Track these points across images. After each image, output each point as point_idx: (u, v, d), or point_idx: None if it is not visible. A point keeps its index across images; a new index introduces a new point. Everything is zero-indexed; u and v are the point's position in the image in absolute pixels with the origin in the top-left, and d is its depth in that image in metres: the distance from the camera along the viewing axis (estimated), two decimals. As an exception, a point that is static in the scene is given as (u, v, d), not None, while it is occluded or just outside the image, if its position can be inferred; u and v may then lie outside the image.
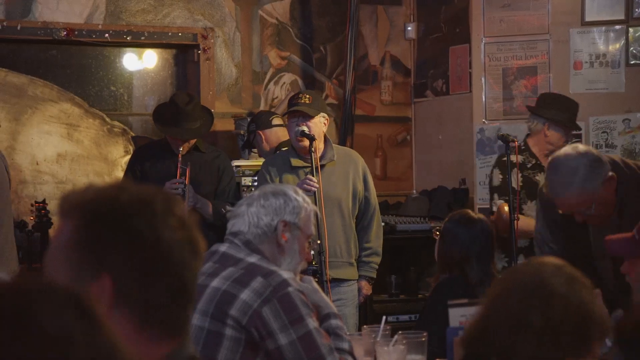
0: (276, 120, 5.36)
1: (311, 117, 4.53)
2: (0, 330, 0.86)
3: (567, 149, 3.38)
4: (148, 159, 5.02)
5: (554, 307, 1.72)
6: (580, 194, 3.24)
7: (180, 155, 4.85)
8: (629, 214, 3.29)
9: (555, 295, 1.73)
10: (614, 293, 3.28)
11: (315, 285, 2.98)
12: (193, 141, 4.97)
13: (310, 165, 4.49)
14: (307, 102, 4.57)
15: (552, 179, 3.34)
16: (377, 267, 4.73)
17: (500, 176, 4.85)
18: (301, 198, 2.87)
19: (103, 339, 0.91)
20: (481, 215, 3.67)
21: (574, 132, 5.09)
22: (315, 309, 2.79)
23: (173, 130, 4.90)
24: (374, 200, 4.72)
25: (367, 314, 5.38)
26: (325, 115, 4.62)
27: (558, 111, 4.82)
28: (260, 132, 5.30)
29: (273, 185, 3.38)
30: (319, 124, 4.56)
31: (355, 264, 4.65)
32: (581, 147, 3.40)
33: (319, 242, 4.19)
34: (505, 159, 4.54)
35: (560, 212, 3.45)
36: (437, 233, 3.68)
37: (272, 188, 2.92)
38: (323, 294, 2.96)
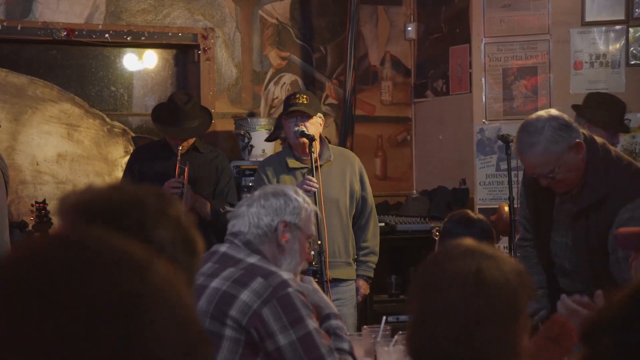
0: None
1: (310, 117, 4.54)
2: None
3: (541, 112, 3.42)
4: (147, 159, 5.03)
5: (490, 290, 1.74)
6: (543, 154, 3.25)
7: (179, 155, 4.86)
8: (587, 197, 3.33)
9: (487, 279, 1.75)
10: (587, 282, 3.30)
11: (316, 285, 2.98)
12: (192, 141, 4.97)
13: (307, 166, 4.50)
14: (305, 102, 4.58)
15: (519, 137, 3.37)
16: (374, 266, 4.74)
17: None
18: (301, 198, 2.87)
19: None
20: (480, 216, 3.67)
21: (622, 132, 5.02)
22: (315, 310, 2.79)
23: (172, 130, 4.91)
24: (371, 199, 4.74)
25: (367, 314, 5.38)
26: (322, 115, 4.65)
27: (600, 111, 4.76)
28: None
29: (273, 185, 3.39)
30: (317, 124, 4.58)
31: (353, 263, 4.66)
32: (554, 111, 3.41)
33: (319, 242, 4.20)
34: None
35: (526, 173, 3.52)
36: (437, 233, 3.68)
37: (273, 188, 2.92)
38: (323, 294, 2.96)
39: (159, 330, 0.85)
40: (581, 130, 3.39)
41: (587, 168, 3.32)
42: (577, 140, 3.30)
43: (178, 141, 4.89)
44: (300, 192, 2.92)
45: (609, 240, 3.24)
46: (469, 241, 1.86)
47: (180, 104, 4.91)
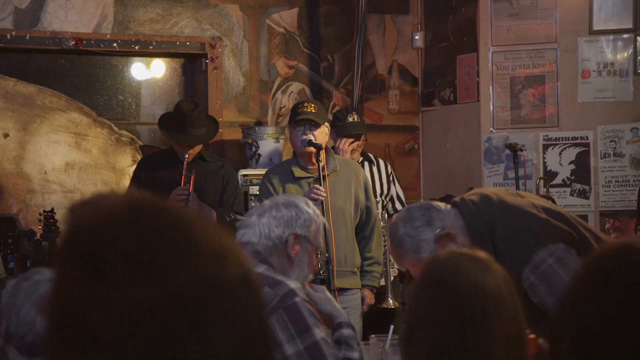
0: (350, 118, 5.31)
1: (318, 125, 4.54)
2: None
3: (399, 215, 3.05)
4: (153, 167, 5.04)
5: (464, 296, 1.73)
6: (415, 264, 2.88)
7: (185, 163, 4.86)
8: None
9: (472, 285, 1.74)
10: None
11: (328, 294, 2.97)
12: (198, 149, 4.98)
13: (312, 175, 4.50)
14: (313, 110, 4.58)
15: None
16: (379, 276, 4.75)
17: None
18: (312, 210, 2.87)
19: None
20: None
21: None
22: (327, 318, 2.78)
23: (178, 137, 4.92)
24: (375, 210, 4.74)
25: (376, 322, 5.37)
26: (329, 125, 4.65)
27: None
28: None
29: (284, 196, 3.39)
30: (324, 133, 4.58)
31: (357, 272, 4.66)
32: (412, 209, 2.98)
33: (327, 255, 4.20)
34: None
35: None
36: None
37: (284, 199, 2.92)
38: (336, 303, 2.95)
39: (234, 324, 0.84)
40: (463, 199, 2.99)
41: (471, 234, 2.92)
42: (439, 232, 2.88)
43: (185, 148, 4.90)
44: (310, 203, 2.92)
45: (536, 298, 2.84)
46: (459, 249, 1.85)
47: (186, 111, 4.92)
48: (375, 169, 5.37)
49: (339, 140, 5.11)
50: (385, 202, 5.35)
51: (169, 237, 0.85)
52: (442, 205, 2.97)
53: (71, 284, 0.82)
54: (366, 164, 5.34)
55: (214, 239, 0.87)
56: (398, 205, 5.46)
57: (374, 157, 5.45)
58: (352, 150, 5.15)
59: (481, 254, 1.82)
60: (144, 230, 0.85)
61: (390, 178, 5.42)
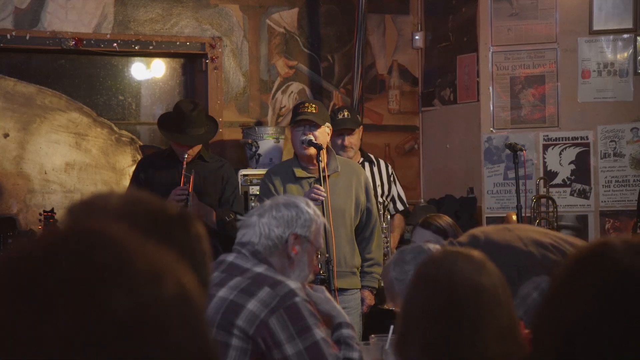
0: (340, 115, 5.42)
1: (318, 126, 4.54)
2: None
3: (392, 257, 3.11)
4: (153, 167, 5.05)
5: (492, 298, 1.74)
6: None
7: (184, 163, 4.86)
8: None
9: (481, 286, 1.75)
10: None
11: (328, 294, 2.97)
12: (197, 149, 4.98)
13: (313, 175, 4.49)
14: (314, 111, 4.58)
15: None
16: (379, 277, 4.75)
17: None
18: (312, 210, 2.87)
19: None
20: (445, 219, 3.88)
21: None
22: (327, 318, 2.79)
23: (177, 137, 4.92)
24: (376, 211, 4.75)
25: (375, 323, 5.37)
26: (330, 125, 4.65)
27: None
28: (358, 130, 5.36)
29: (285, 196, 3.38)
30: (324, 134, 4.58)
31: (357, 273, 4.66)
32: (404, 252, 3.01)
33: (327, 255, 4.20)
34: None
35: None
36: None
37: (284, 199, 2.91)
38: (335, 303, 2.95)
39: (173, 342, 0.85)
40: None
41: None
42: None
43: (184, 148, 4.90)
44: (311, 203, 2.92)
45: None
46: (454, 248, 1.87)
47: (185, 111, 4.92)
48: (375, 169, 5.37)
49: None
50: (386, 202, 5.36)
51: (105, 261, 0.85)
52: (434, 247, 3.00)
53: (6, 319, 0.81)
54: (367, 164, 5.35)
55: (151, 260, 0.87)
56: (399, 206, 5.47)
57: (374, 157, 5.46)
58: (347, 147, 5.16)
59: (476, 253, 1.83)
60: (79, 256, 0.85)
61: (391, 178, 5.43)
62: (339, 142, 5.17)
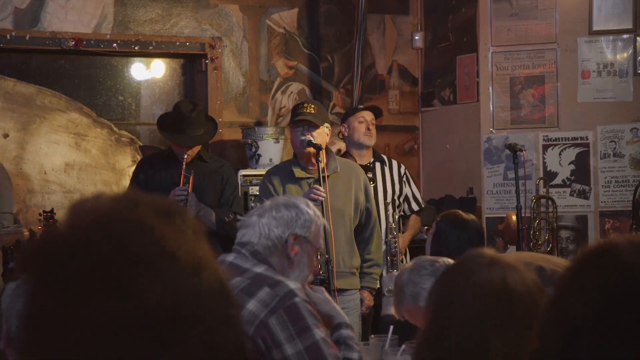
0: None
1: (317, 126, 4.53)
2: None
3: (410, 263, 3.15)
4: (152, 168, 5.04)
5: (514, 301, 1.74)
6: (411, 312, 2.97)
7: (184, 163, 4.86)
8: None
9: (510, 289, 1.74)
10: None
11: (327, 295, 2.97)
12: (197, 149, 4.98)
13: (313, 175, 4.49)
14: (313, 111, 4.57)
15: None
16: (378, 278, 4.74)
17: None
18: (312, 211, 2.86)
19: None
20: (471, 216, 3.69)
21: None
22: (326, 319, 2.78)
23: (177, 137, 4.92)
24: (375, 212, 4.74)
25: (376, 323, 5.37)
26: (329, 125, 4.64)
27: None
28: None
29: (284, 196, 3.37)
30: (323, 134, 4.57)
31: (357, 273, 4.66)
32: (422, 259, 3.09)
33: (327, 256, 4.19)
34: None
35: None
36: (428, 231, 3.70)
37: (284, 200, 2.91)
38: (335, 304, 2.95)
39: (210, 335, 0.83)
40: None
41: None
42: None
43: (184, 149, 4.90)
44: (310, 204, 2.91)
45: None
46: (490, 251, 1.84)
47: (185, 112, 4.92)
48: (387, 169, 5.36)
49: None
50: (399, 203, 5.32)
51: (144, 251, 0.84)
52: (451, 262, 3.01)
53: (41, 301, 0.80)
54: (378, 164, 5.33)
55: (191, 251, 0.86)
56: (414, 206, 5.40)
57: (387, 158, 5.44)
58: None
59: (512, 258, 1.84)
60: (116, 243, 0.83)
61: (404, 179, 5.40)
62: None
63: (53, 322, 0.79)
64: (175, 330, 0.81)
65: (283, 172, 4.63)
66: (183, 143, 4.90)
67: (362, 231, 4.69)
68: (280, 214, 2.81)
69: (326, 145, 4.62)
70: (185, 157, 4.88)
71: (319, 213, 2.93)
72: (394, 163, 5.42)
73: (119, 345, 0.79)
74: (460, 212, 3.69)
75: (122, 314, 0.80)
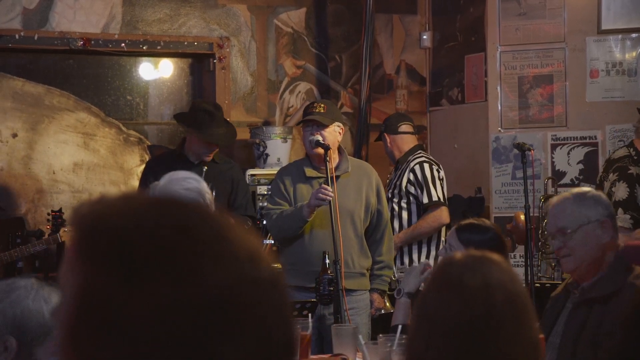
0: (404, 127, 5.43)
1: (325, 126, 4.52)
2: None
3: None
4: (162, 168, 5.01)
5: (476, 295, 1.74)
6: (572, 206, 3.14)
7: (208, 159, 4.87)
8: (598, 286, 3.08)
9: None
10: None
11: None
12: (216, 149, 4.97)
13: (324, 175, 4.47)
14: (322, 111, 4.56)
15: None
16: (389, 280, 4.71)
17: (628, 190, 4.80)
18: None
19: None
20: (487, 222, 3.64)
21: None
22: None
23: (209, 136, 4.87)
24: (387, 213, 4.71)
25: (386, 326, 5.36)
26: (340, 124, 4.59)
27: None
28: (387, 135, 5.44)
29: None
30: (334, 133, 4.54)
31: (367, 274, 4.63)
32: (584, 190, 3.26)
33: (325, 252, 4.14)
34: (630, 171, 4.65)
35: None
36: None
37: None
38: None
39: (264, 324, 0.84)
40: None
41: (605, 256, 3.05)
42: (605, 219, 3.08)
43: (212, 146, 4.88)
44: None
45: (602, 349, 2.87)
46: (473, 251, 1.82)
47: (213, 111, 4.91)
48: (435, 170, 5.36)
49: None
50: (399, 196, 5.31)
51: (205, 235, 0.84)
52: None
53: (99, 285, 0.80)
54: (426, 165, 5.31)
55: (247, 240, 0.87)
56: (412, 189, 5.33)
57: (434, 161, 5.43)
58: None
59: (500, 258, 1.81)
60: (179, 227, 0.84)
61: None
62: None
63: (113, 307, 0.80)
64: (233, 316, 0.82)
65: (295, 171, 4.61)
66: (215, 141, 4.86)
67: (373, 233, 4.66)
68: None
69: (339, 146, 4.60)
70: (209, 156, 4.88)
71: None
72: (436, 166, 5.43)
73: (181, 329, 0.79)
74: (476, 220, 3.63)
75: (185, 298, 0.80)
